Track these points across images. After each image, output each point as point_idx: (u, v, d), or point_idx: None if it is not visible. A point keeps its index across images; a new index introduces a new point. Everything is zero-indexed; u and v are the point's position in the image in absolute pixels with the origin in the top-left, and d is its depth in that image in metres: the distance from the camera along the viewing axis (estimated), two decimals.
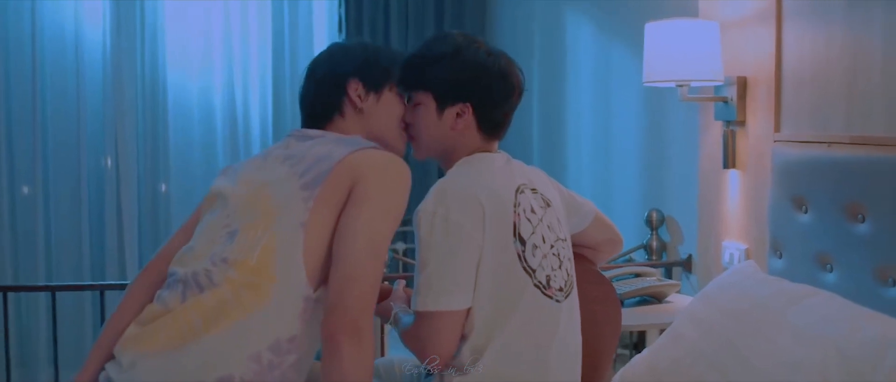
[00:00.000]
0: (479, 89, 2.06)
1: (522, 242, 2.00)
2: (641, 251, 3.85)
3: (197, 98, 5.27)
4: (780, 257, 2.79)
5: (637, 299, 3.23)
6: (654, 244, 3.80)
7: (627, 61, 4.08)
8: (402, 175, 1.94)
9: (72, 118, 4.96)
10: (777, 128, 2.97)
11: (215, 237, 1.92)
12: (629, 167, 4.16)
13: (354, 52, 2.15)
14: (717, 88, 3.22)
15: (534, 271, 2.00)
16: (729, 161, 3.20)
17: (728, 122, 3.20)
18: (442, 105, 2.07)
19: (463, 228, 1.93)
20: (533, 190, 2.10)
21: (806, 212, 2.67)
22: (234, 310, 1.80)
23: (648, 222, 3.80)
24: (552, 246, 2.06)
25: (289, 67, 5.36)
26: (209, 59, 5.25)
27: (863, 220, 2.46)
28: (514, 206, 2.01)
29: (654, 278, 3.30)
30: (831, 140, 2.64)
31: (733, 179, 3.22)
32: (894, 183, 2.38)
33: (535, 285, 2.00)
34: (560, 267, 2.08)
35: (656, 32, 3.11)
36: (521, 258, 1.99)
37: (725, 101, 3.18)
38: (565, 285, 2.08)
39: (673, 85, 3.16)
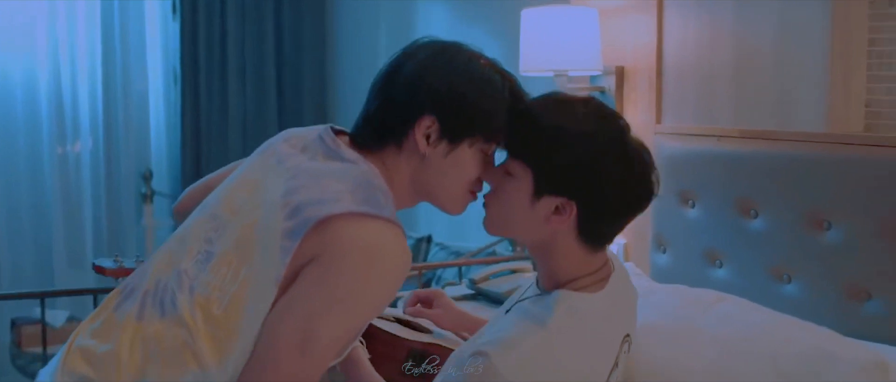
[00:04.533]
0: (596, 190, 1.56)
1: None
2: (505, 242, 3.73)
3: (21, 81, 4.91)
4: (665, 252, 2.73)
5: None
6: None
7: (490, 49, 3.93)
8: (388, 269, 1.49)
9: None
10: (658, 120, 2.89)
11: (195, 246, 1.60)
12: None
13: (447, 74, 1.61)
14: (592, 78, 3.12)
15: None
16: None
17: None
18: (540, 190, 1.57)
19: None
20: (629, 342, 1.70)
21: (693, 207, 2.61)
22: (191, 360, 1.49)
23: None
24: None
25: (119, 51, 5.08)
26: (32, 41, 4.90)
27: (755, 216, 2.41)
28: None
29: (531, 273, 3.18)
30: (721, 133, 2.58)
31: None
32: (787, 178, 2.35)
33: None
34: None
35: (532, 19, 2.98)
36: None
37: (602, 91, 3.09)
38: None
39: (551, 74, 3.04)
